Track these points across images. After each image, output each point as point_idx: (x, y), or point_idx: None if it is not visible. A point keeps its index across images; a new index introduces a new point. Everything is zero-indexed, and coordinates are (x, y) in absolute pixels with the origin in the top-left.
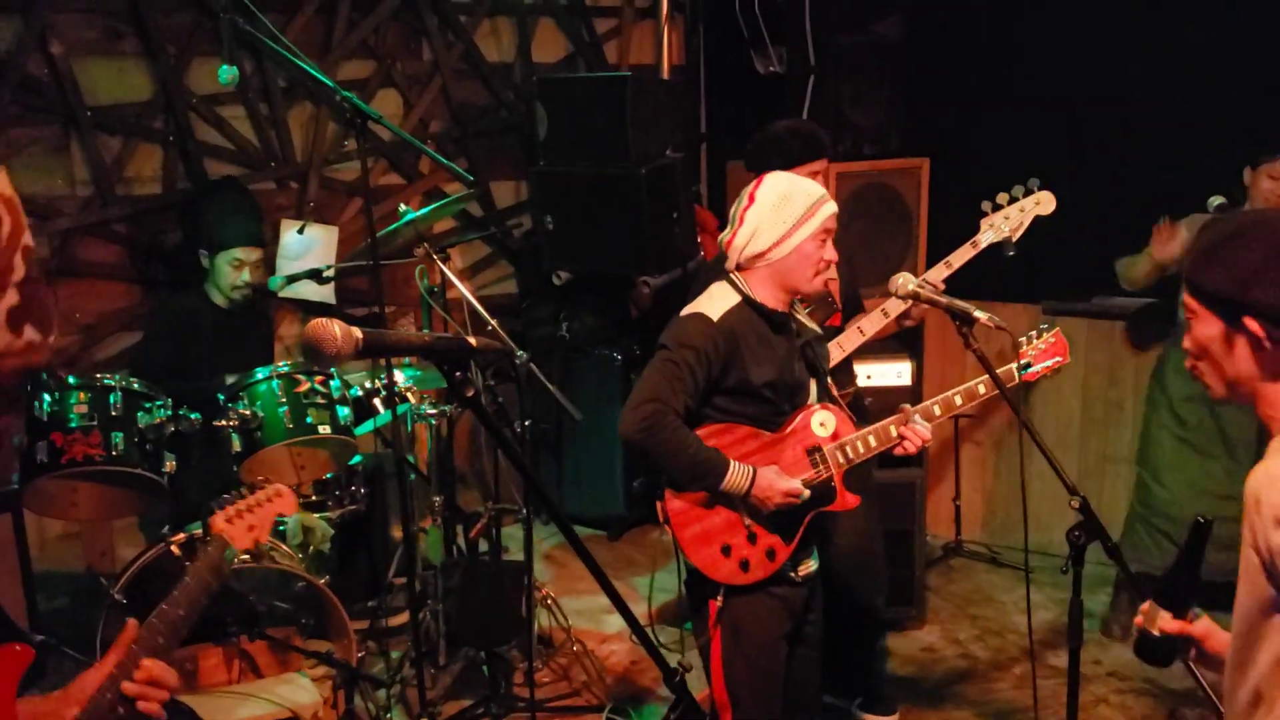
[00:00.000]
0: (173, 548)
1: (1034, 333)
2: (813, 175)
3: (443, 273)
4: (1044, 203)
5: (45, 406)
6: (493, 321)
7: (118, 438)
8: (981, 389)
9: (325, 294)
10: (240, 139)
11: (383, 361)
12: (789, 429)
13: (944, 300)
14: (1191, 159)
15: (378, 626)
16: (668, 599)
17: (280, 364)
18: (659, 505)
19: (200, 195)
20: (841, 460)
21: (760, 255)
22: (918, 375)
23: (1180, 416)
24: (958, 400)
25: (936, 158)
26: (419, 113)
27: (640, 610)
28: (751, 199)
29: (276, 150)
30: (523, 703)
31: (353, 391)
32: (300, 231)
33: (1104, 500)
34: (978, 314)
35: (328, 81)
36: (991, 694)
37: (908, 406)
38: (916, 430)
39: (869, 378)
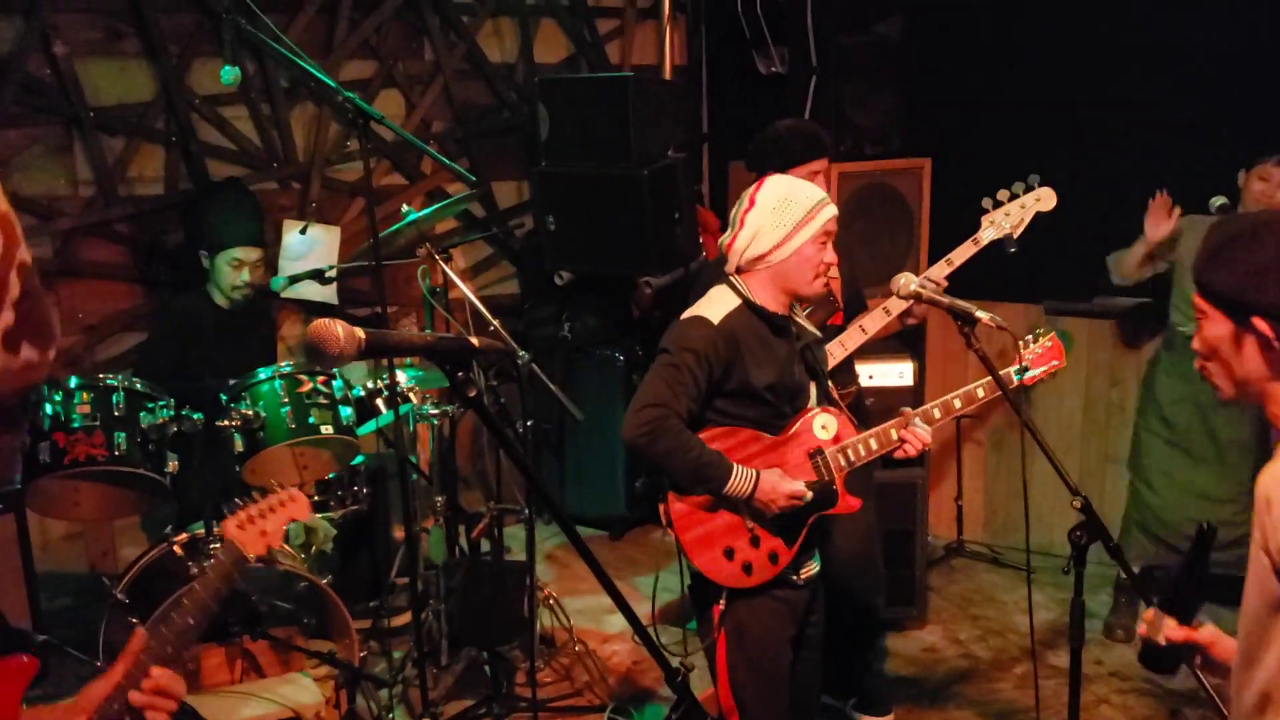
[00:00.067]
0: (175, 548)
1: (1029, 337)
2: (813, 175)
3: (445, 273)
4: (1044, 199)
5: (48, 407)
6: (495, 322)
7: (120, 438)
8: (980, 392)
9: (327, 294)
10: (242, 139)
11: (385, 362)
12: (791, 432)
13: (945, 300)
14: (1192, 159)
15: (380, 626)
16: (670, 599)
17: (283, 364)
18: (661, 508)
19: (201, 195)
20: (843, 463)
21: (760, 258)
22: (920, 375)
23: (1169, 420)
24: (957, 404)
25: (938, 158)
26: (421, 113)
27: (642, 610)
28: (752, 202)
29: (279, 150)
30: (525, 703)
31: (355, 392)
32: (302, 232)
33: (1105, 500)
34: (979, 314)
35: (330, 82)
36: (993, 694)
37: (908, 410)
38: (917, 433)
39: (871, 378)
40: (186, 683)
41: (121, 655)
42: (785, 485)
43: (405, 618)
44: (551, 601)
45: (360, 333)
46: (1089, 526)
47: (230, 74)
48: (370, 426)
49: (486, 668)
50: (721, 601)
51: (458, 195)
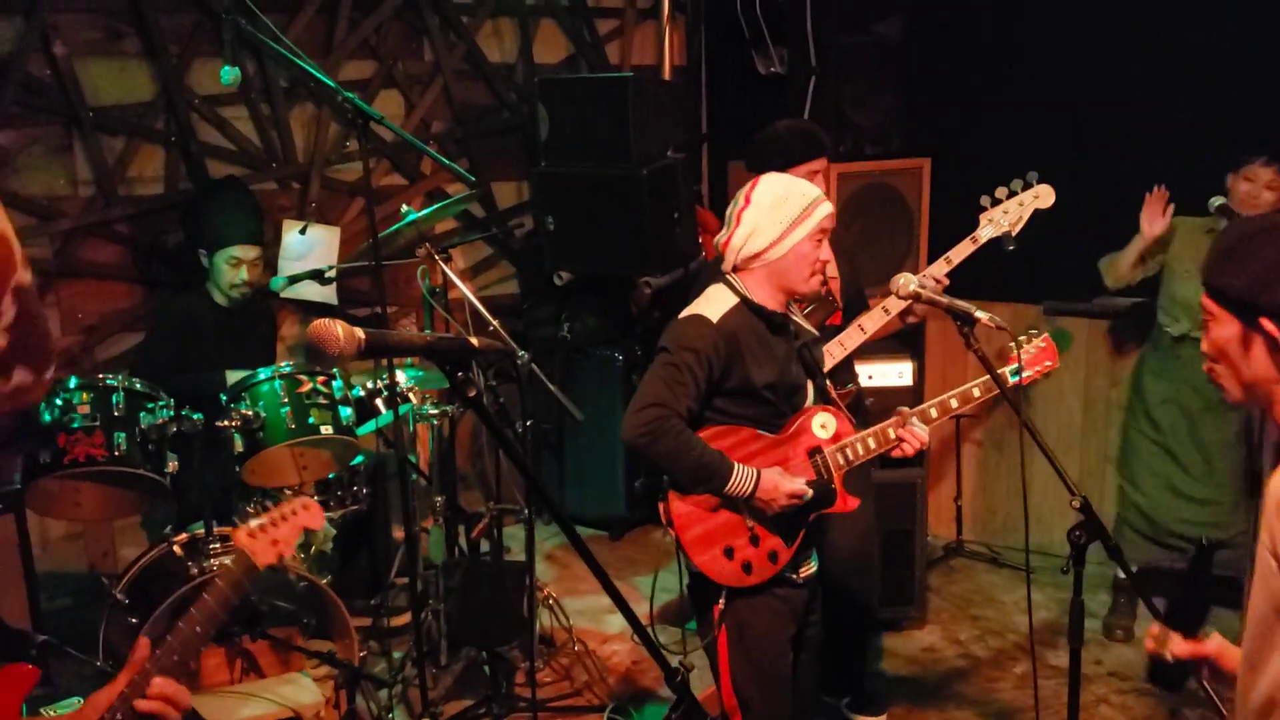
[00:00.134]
0: (175, 548)
1: (1023, 337)
2: (813, 174)
3: (444, 273)
4: (1043, 196)
5: (47, 408)
6: (494, 322)
7: (120, 438)
8: (977, 391)
9: (327, 294)
10: (242, 139)
11: (385, 362)
12: (790, 430)
13: (945, 300)
14: (1192, 159)
15: (379, 626)
16: (669, 599)
17: (282, 364)
18: (661, 507)
19: (200, 194)
20: (841, 462)
21: (757, 256)
22: (919, 375)
23: (1155, 420)
24: (954, 403)
25: (938, 158)
26: (420, 113)
27: (641, 610)
28: (748, 200)
29: (278, 151)
30: (524, 703)
31: (355, 392)
32: (302, 232)
33: (1105, 500)
34: (979, 314)
35: (329, 82)
36: (992, 694)
37: (905, 409)
38: (914, 432)
39: (870, 377)
40: (186, 683)
41: (127, 664)
42: (786, 484)
43: (405, 618)
44: (551, 601)
45: (360, 333)
46: (1088, 526)
47: (230, 74)
48: (370, 426)
49: (486, 668)
50: (721, 601)
51: (457, 195)
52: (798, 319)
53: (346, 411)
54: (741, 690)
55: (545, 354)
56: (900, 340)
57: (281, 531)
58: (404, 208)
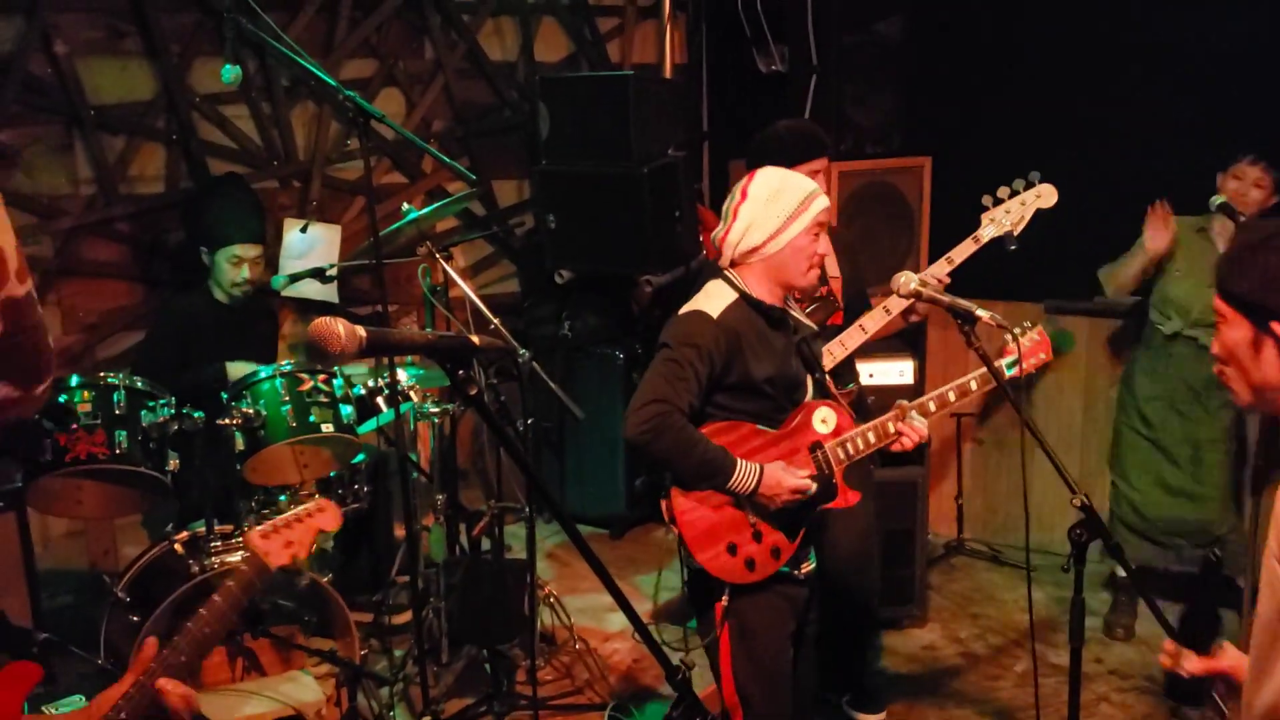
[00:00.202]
0: (176, 546)
1: (1018, 330)
2: (813, 174)
3: (445, 271)
4: (1045, 195)
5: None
6: (495, 320)
7: (121, 436)
8: (974, 384)
9: (328, 293)
10: (243, 138)
11: (386, 360)
12: (792, 425)
13: (946, 299)
14: (1192, 159)
15: (381, 624)
16: (671, 597)
17: (283, 363)
18: (663, 504)
19: (201, 191)
20: (842, 456)
21: (754, 250)
22: (920, 374)
23: (1146, 417)
24: (952, 396)
25: (938, 157)
26: (421, 112)
27: (643, 609)
28: (744, 194)
29: (279, 149)
30: (525, 701)
31: (355, 390)
32: (303, 230)
33: (1105, 499)
34: (980, 313)
35: (330, 80)
36: (993, 692)
37: (904, 403)
38: (913, 426)
39: (871, 376)
40: (188, 682)
41: (132, 665)
42: (789, 479)
43: (406, 616)
44: (552, 600)
45: (362, 331)
46: (1089, 525)
47: (231, 73)
48: (371, 425)
49: (487, 666)
50: (724, 598)
51: (458, 194)
52: (796, 314)
53: (347, 410)
54: (743, 687)
55: (546, 352)
56: (901, 339)
57: (296, 533)
58: (405, 206)
